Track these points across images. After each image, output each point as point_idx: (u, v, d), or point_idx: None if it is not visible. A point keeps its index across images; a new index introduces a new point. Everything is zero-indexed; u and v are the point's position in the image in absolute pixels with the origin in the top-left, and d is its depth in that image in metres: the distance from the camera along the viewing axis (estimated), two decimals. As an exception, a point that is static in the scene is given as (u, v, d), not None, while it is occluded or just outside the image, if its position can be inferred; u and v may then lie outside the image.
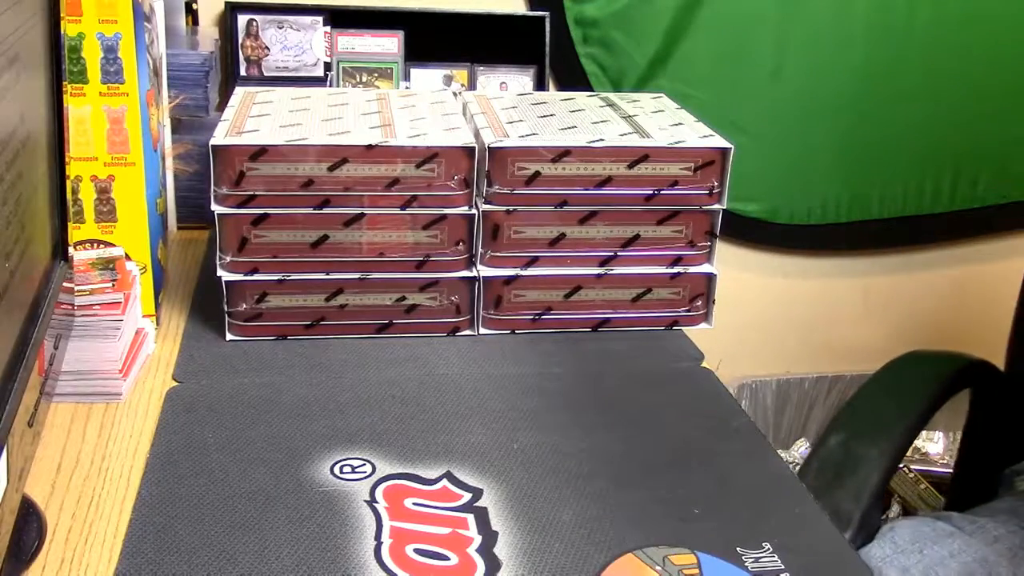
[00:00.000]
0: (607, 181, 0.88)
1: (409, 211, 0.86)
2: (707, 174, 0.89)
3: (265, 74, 1.39)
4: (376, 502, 0.67)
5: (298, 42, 1.39)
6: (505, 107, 0.97)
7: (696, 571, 0.62)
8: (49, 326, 0.65)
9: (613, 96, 1.03)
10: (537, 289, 0.91)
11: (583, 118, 0.94)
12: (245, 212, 0.84)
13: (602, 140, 0.87)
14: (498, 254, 0.90)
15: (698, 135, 0.91)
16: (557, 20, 1.48)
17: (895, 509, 1.62)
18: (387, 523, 0.65)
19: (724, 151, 0.89)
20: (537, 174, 0.87)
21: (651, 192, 0.89)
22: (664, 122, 0.94)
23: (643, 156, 0.88)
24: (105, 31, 0.81)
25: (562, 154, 0.86)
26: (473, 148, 0.86)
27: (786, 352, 1.77)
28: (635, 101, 1.01)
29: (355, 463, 0.72)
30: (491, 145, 0.86)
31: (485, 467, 0.72)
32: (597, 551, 0.64)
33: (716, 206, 0.90)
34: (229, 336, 0.88)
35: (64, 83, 0.71)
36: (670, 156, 0.88)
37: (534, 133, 0.89)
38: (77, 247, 0.84)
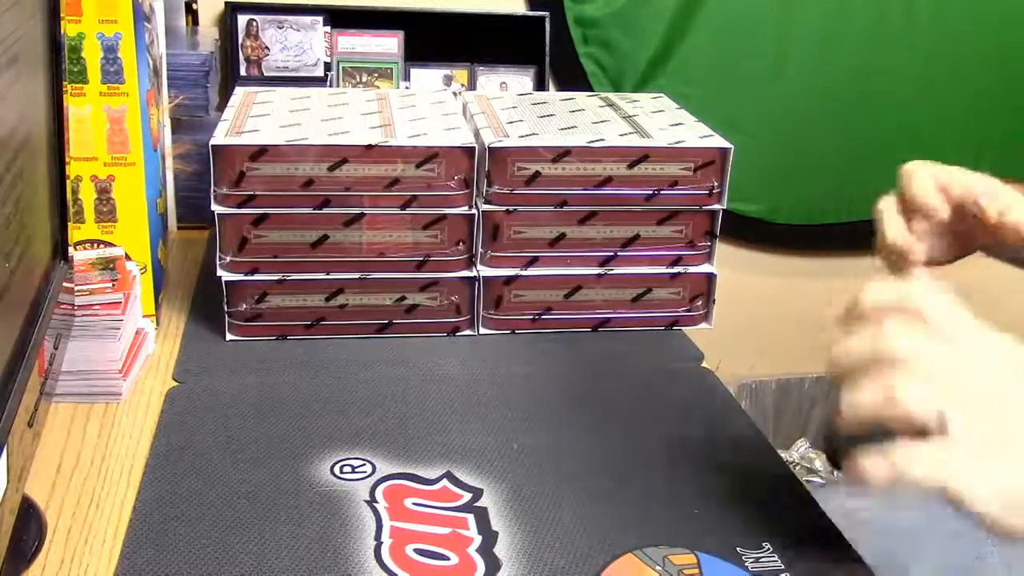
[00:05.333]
0: (607, 181, 0.88)
1: (409, 211, 0.86)
2: (707, 174, 0.89)
3: (265, 74, 1.39)
4: (376, 502, 0.67)
5: (298, 42, 1.39)
6: (505, 107, 0.97)
7: (696, 571, 0.62)
8: (49, 326, 0.65)
9: (613, 96, 1.03)
10: (537, 289, 0.91)
11: (583, 118, 0.94)
12: (245, 212, 0.84)
13: (602, 140, 0.87)
14: (498, 254, 0.90)
15: (698, 135, 0.91)
16: (557, 20, 1.48)
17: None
18: (387, 523, 0.65)
19: (724, 151, 0.89)
20: (537, 174, 0.87)
21: (651, 192, 0.89)
22: (664, 122, 0.94)
23: (643, 156, 0.88)
24: (105, 31, 0.81)
25: (562, 154, 0.86)
26: (473, 148, 0.86)
27: (786, 352, 1.77)
28: (635, 101, 1.01)
29: (355, 463, 0.72)
30: (491, 145, 0.86)
31: (485, 467, 0.72)
32: (597, 551, 0.64)
33: (716, 206, 0.90)
34: (229, 336, 0.88)
35: (64, 83, 0.71)
36: (670, 156, 0.88)
37: (534, 133, 0.89)
38: (77, 247, 0.84)
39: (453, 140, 0.86)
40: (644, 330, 0.94)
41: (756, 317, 1.71)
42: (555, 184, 0.87)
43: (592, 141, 0.87)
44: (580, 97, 1.03)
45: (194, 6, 1.37)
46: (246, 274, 0.87)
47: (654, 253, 0.91)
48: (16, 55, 0.59)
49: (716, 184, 0.89)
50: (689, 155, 0.88)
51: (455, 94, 1.03)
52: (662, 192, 0.89)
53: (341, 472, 0.71)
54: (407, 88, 1.43)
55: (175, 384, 0.82)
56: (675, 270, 0.92)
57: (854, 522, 0.81)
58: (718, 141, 0.90)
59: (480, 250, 0.89)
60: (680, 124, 0.94)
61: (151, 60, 0.90)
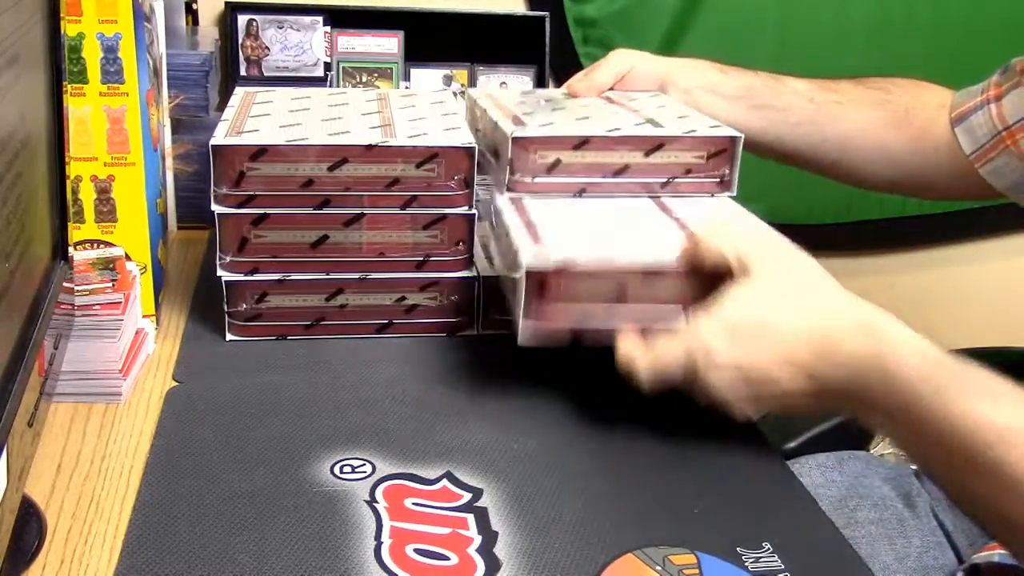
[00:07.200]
0: (624, 169, 0.87)
1: (409, 211, 0.86)
2: (719, 162, 0.89)
3: (265, 74, 1.39)
4: (376, 502, 0.67)
5: (298, 42, 1.39)
6: (516, 101, 0.97)
7: (696, 571, 0.62)
8: (49, 326, 0.66)
9: (613, 94, 1.03)
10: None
11: (593, 111, 0.94)
12: (245, 212, 0.84)
13: (619, 129, 0.87)
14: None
15: (708, 125, 0.90)
16: (557, 20, 1.48)
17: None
18: (387, 523, 0.65)
19: (734, 139, 0.89)
20: (558, 162, 0.86)
21: (666, 180, 0.88)
22: (671, 114, 0.94)
23: (659, 144, 0.87)
24: (105, 31, 0.81)
25: (582, 143, 0.86)
26: (473, 148, 0.86)
27: (786, 352, 1.77)
28: (634, 99, 1.01)
29: (355, 463, 0.72)
30: (515, 135, 0.84)
31: (485, 467, 0.72)
32: (597, 551, 0.64)
33: (727, 194, 0.90)
34: (229, 336, 0.88)
35: (64, 83, 0.71)
36: (684, 145, 0.88)
37: (551, 123, 0.88)
38: (77, 247, 0.84)
39: (453, 140, 0.86)
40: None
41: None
42: (575, 172, 0.87)
43: (610, 130, 0.87)
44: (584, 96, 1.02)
45: (194, 6, 1.37)
46: (246, 274, 0.87)
47: None
48: (16, 55, 0.59)
49: (728, 172, 0.89)
50: (702, 144, 0.88)
51: (455, 94, 1.03)
52: (676, 179, 0.88)
53: (341, 472, 0.71)
54: (407, 88, 1.43)
55: (175, 384, 0.82)
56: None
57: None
58: (729, 130, 0.89)
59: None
60: (686, 116, 0.93)
61: (151, 60, 0.90)
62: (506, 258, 0.80)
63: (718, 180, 0.89)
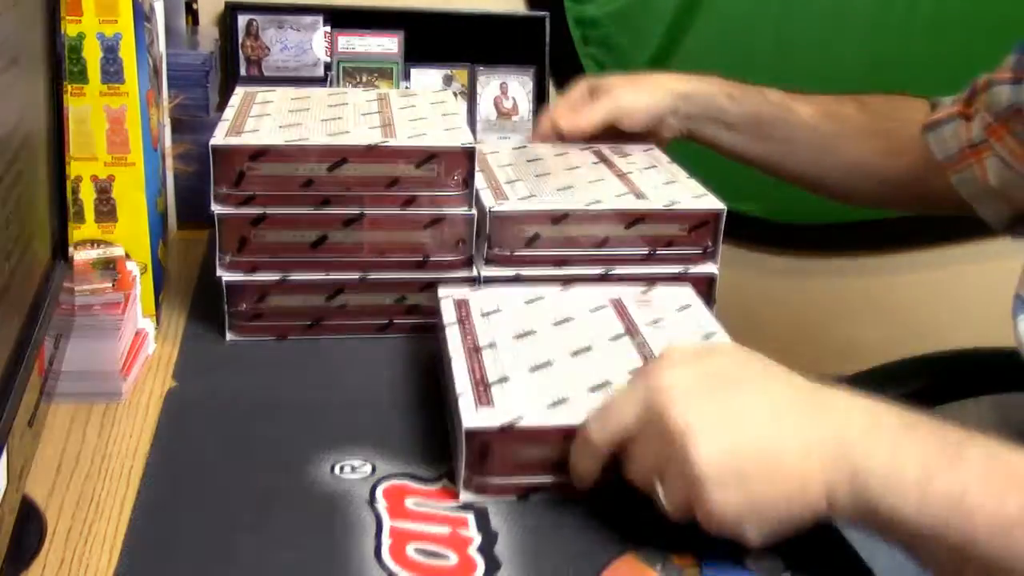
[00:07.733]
0: (604, 241, 0.88)
1: (409, 211, 0.87)
2: (701, 234, 0.89)
3: (265, 74, 1.39)
4: (376, 502, 0.67)
5: (298, 42, 1.39)
6: (502, 165, 0.97)
7: (696, 571, 0.62)
8: (49, 326, 0.66)
9: (606, 150, 1.02)
10: (539, 288, 0.91)
11: (578, 177, 0.94)
12: (245, 212, 0.85)
13: (599, 203, 0.88)
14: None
15: (691, 195, 0.91)
16: (557, 20, 1.48)
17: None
18: (387, 523, 0.65)
19: (717, 212, 0.89)
20: (537, 236, 0.87)
21: (647, 252, 0.89)
22: (657, 180, 0.94)
23: (639, 218, 0.88)
24: (105, 31, 0.81)
25: (561, 217, 0.87)
26: (472, 148, 0.86)
27: (786, 352, 1.76)
28: (627, 156, 1.01)
29: (355, 463, 0.72)
30: (493, 210, 0.85)
31: (485, 467, 0.72)
32: (597, 551, 0.64)
33: (710, 265, 0.90)
34: (229, 336, 0.88)
35: (64, 83, 0.71)
36: (666, 217, 0.88)
37: (533, 195, 0.89)
38: (77, 247, 0.84)
39: (453, 140, 0.86)
40: (644, 330, 0.93)
41: (756, 318, 1.71)
42: (555, 245, 0.88)
43: (590, 204, 0.87)
44: (573, 152, 1.02)
45: (194, 6, 1.37)
46: (246, 274, 0.87)
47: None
48: (16, 55, 0.59)
49: (710, 243, 0.89)
50: (683, 217, 0.88)
51: (456, 94, 1.03)
52: (658, 252, 0.89)
53: (341, 472, 0.71)
54: (407, 88, 1.43)
55: (175, 384, 0.82)
56: (676, 269, 0.91)
57: None
58: (711, 202, 0.89)
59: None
60: (673, 182, 0.94)
61: (151, 60, 0.90)
62: (448, 408, 0.74)
63: (701, 252, 0.90)
